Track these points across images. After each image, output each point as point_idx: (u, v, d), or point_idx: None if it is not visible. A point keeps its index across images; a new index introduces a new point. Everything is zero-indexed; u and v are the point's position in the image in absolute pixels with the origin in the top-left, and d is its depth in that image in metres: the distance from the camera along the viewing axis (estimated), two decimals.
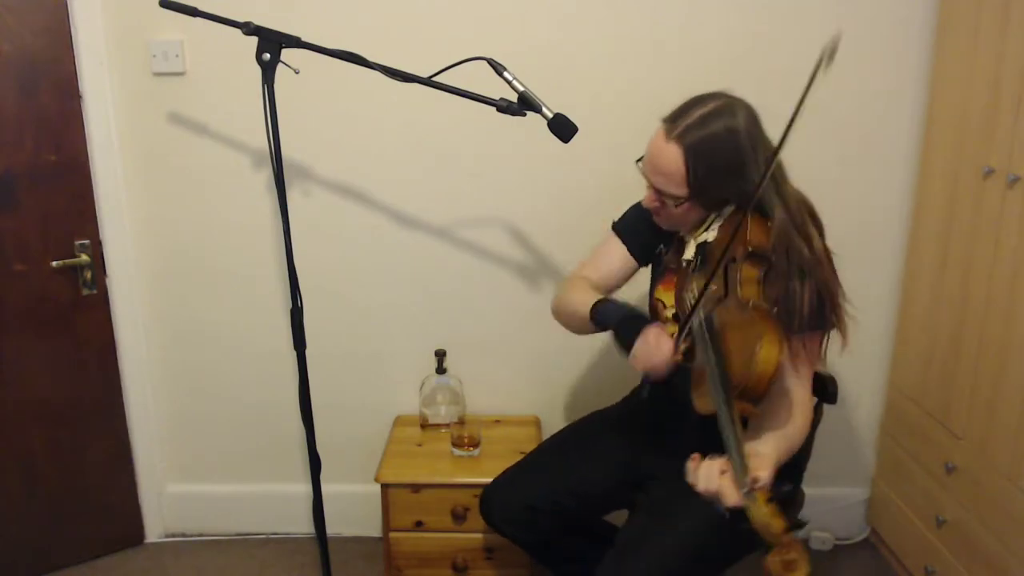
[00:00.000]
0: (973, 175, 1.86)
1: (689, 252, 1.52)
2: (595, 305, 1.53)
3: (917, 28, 2.05)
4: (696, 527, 1.48)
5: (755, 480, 1.16)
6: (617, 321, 1.49)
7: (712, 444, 1.57)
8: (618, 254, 1.71)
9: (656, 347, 1.40)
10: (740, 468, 1.17)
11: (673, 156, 1.39)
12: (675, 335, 1.41)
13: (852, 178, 2.17)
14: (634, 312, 1.51)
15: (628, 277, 1.74)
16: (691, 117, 1.39)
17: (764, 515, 1.13)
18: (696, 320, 1.34)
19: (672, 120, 1.42)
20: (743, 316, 1.30)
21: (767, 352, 1.20)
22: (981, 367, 1.83)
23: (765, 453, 1.28)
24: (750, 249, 1.34)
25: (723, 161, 1.38)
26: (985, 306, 1.81)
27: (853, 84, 2.08)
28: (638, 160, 1.50)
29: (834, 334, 1.45)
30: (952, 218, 1.96)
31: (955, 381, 1.94)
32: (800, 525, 1.25)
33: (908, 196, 2.18)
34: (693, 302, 1.37)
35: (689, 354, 1.41)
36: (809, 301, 1.36)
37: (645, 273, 1.73)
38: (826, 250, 1.42)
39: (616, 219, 1.74)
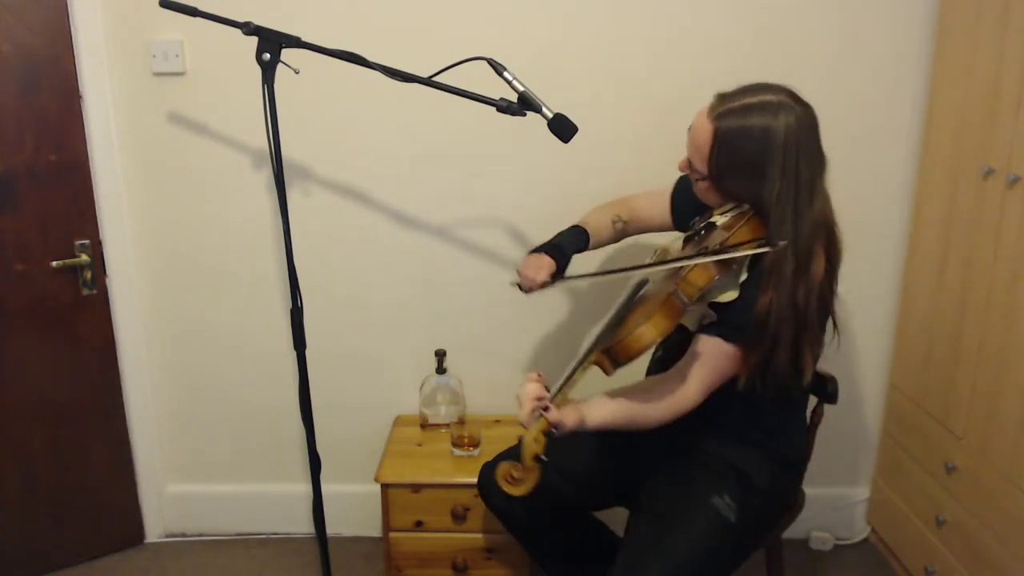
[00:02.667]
0: (973, 175, 1.86)
1: (703, 223, 1.54)
2: (572, 226, 1.78)
3: (917, 28, 2.05)
4: (705, 534, 1.48)
5: (545, 408, 1.30)
6: (559, 237, 1.74)
7: (709, 443, 1.59)
8: (663, 204, 1.79)
9: (536, 267, 1.64)
10: (552, 394, 1.32)
11: (705, 133, 1.38)
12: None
13: (852, 178, 2.16)
14: (559, 243, 1.72)
15: (660, 228, 1.81)
16: (736, 102, 1.37)
17: (531, 438, 1.29)
18: (637, 278, 1.44)
19: (723, 97, 1.40)
20: (660, 293, 1.35)
21: (643, 331, 1.28)
22: (981, 367, 1.83)
23: (592, 408, 1.38)
24: (725, 255, 1.34)
25: (744, 158, 1.36)
26: (985, 306, 1.81)
27: (853, 84, 2.08)
28: (690, 128, 1.47)
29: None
30: (952, 218, 1.96)
31: (955, 381, 1.94)
32: (543, 462, 1.34)
33: (908, 196, 2.18)
34: (649, 261, 1.46)
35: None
36: (767, 328, 1.35)
37: None
38: (822, 288, 1.39)
39: (678, 179, 1.77)
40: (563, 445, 1.73)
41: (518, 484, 1.27)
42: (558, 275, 1.67)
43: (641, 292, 1.41)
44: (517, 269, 1.72)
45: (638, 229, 1.85)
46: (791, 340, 1.37)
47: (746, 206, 1.44)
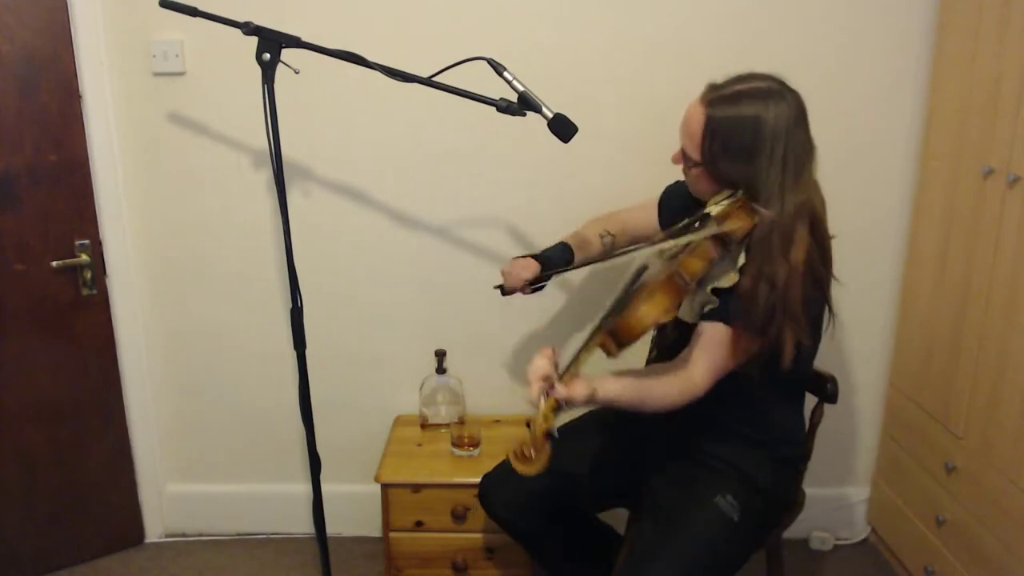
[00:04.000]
0: (973, 175, 1.86)
1: (691, 220, 1.53)
2: (560, 242, 1.80)
3: (917, 28, 2.06)
4: (709, 534, 1.48)
5: (552, 387, 1.27)
6: (552, 249, 1.77)
7: (711, 443, 1.59)
8: (650, 214, 1.81)
9: (521, 269, 1.71)
10: (560, 371, 1.30)
11: (697, 119, 1.42)
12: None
13: (852, 178, 2.17)
14: (546, 254, 1.76)
15: (642, 238, 1.81)
16: (729, 89, 1.41)
17: (541, 416, 1.26)
18: (637, 263, 1.44)
19: (714, 87, 1.44)
20: (661, 274, 1.34)
21: (646, 310, 1.27)
22: (981, 367, 1.83)
23: (604, 382, 1.35)
24: (724, 230, 1.37)
25: (737, 143, 1.38)
26: (985, 306, 1.81)
27: (853, 84, 2.08)
28: None
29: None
30: (952, 218, 1.96)
31: (955, 381, 1.94)
32: (555, 439, 1.31)
33: (908, 196, 2.18)
34: (648, 244, 1.46)
35: (661, 331, 1.56)
36: (757, 308, 1.35)
37: None
38: (806, 264, 1.38)
39: (669, 185, 1.80)
40: (565, 449, 1.74)
41: (530, 462, 1.24)
42: (543, 276, 1.72)
43: (642, 278, 1.41)
44: (500, 270, 1.76)
45: (628, 242, 1.84)
46: (782, 324, 1.37)
47: (739, 193, 1.45)
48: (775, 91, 1.38)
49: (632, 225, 1.84)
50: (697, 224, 1.50)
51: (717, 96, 1.40)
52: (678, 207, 1.69)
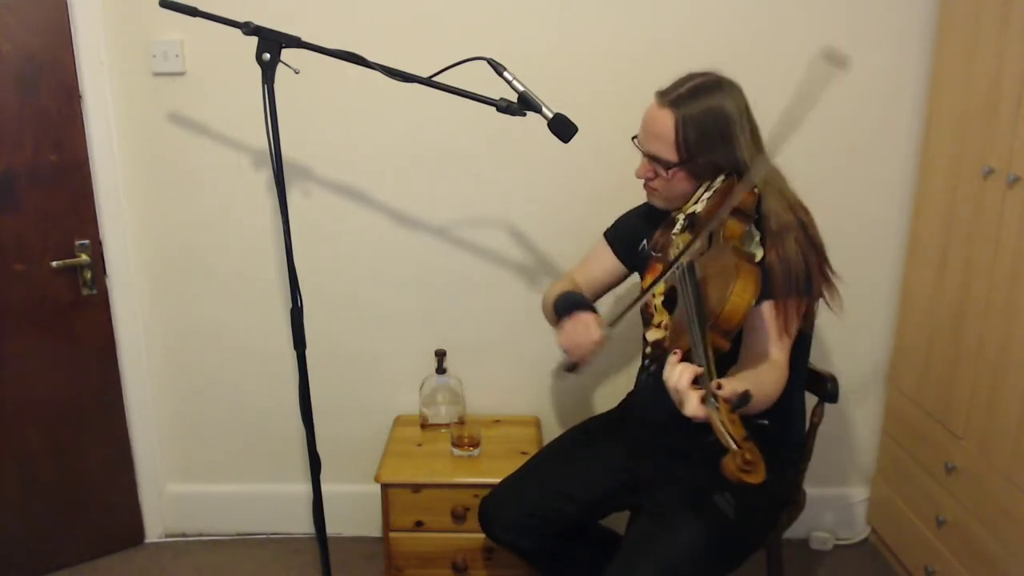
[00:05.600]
0: (973, 175, 1.86)
1: (678, 226, 1.55)
2: (560, 295, 1.67)
3: (917, 28, 2.06)
4: (703, 532, 1.48)
5: (719, 385, 1.15)
6: (565, 303, 1.61)
7: (708, 446, 1.58)
8: (606, 257, 1.79)
9: (584, 329, 1.51)
10: (707, 376, 1.18)
11: (665, 120, 1.47)
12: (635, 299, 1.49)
13: (852, 178, 2.17)
14: (582, 300, 1.63)
15: (615, 281, 1.81)
16: (683, 87, 1.49)
17: (726, 422, 1.13)
18: (679, 268, 1.38)
19: (665, 92, 1.51)
20: (721, 255, 1.34)
21: (742, 284, 1.24)
22: (981, 367, 1.83)
23: (736, 382, 1.27)
24: (735, 206, 1.38)
25: (712, 128, 1.46)
26: (985, 306, 1.81)
27: (853, 84, 2.08)
28: (634, 137, 1.58)
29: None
30: (952, 218, 1.96)
31: (955, 381, 1.94)
32: (760, 427, 1.25)
33: (908, 196, 2.18)
34: (677, 253, 1.42)
35: (657, 349, 1.48)
36: (792, 265, 1.40)
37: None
38: (807, 215, 1.48)
39: (608, 227, 1.82)
40: (559, 466, 1.74)
41: (755, 467, 1.10)
42: (604, 325, 1.53)
43: (697, 275, 1.37)
44: (560, 345, 1.55)
45: (593, 295, 1.80)
46: (818, 266, 1.44)
47: (717, 182, 1.50)
48: (721, 80, 1.49)
49: (593, 279, 1.80)
50: (688, 225, 1.52)
51: (676, 96, 1.47)
52: (636, 235, 1.72)
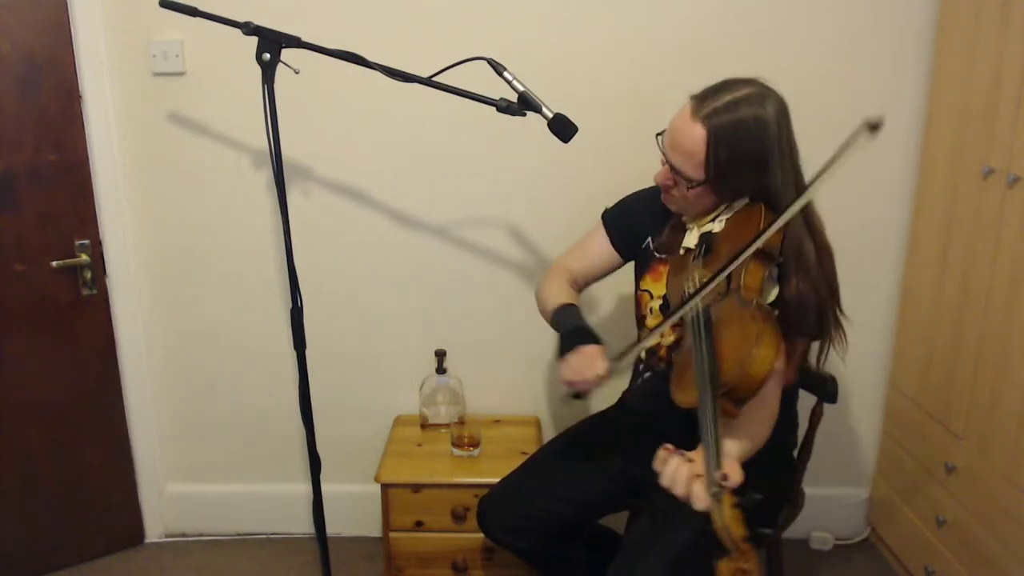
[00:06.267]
0: (973, 175, 1.86)
1: (691, 240, 1.49)
2: (560, 307, 1.57)
3: (917, 28, 2.06)
4: (703, 532, 1.48)
5: (724, 477, 1.11)
6: (567, 330, 1.51)
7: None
8: (601, 245, 1.71)
9: (589, 364, 1.41)
10: (714, 464, 1.12)
11: (696, 137, 1.35)
12: (639, 340, 1.42)
13: (852, 178, 2.17)
14: (584, 329, 1.51)
15: (610, 269, 1.74)
16: (720, 100, 1.35)
17: (727, 519, 1.09)
18: (692, 310, 1.29)
19: (701, 99, 1.38)
20: (742, 313, 1.25)
21: (764, 353, 1.16)
22: (981, 367, 1.83)
23: (732, 455, 1.23)
24: (759, 247, 1.28)
25: (746, 151, 1.35)
26: (985, 306, 1.81)
27: (853, 84, 2.08)
28: (659, 134, 1.47)
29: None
30: (952, 218, 1.96)
31: (955, 381, 1.94)
32: (761, 537, 1.18)
33: (908, 196, 2.18)
34: (692, 291, 1.33)
35: (651, 356, 1.43)
36: (808, 308, 1.34)
37: (629, 273, 1.73)
38: (831, 255, 1.41)
39: (608, 207, 1.74)
40: (558, 468, 1.73)
41: (751, 574, 1.07)
42: (610, 359, 1.45)
43: (709, 323, 1.28)
44: (563, 379, 1.46)
45: (587, 282, 1.77)
46: (833, 309, 1.39)
47: (738, 204, 1.42)
48: (765, 92, 1.37)
49: (586, 265, 1.73)
50: (703, 248, 1.45)
51: (712, 109, 1.34)
52: (636, 225, 1.65)
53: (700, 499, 1.11)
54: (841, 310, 1.43)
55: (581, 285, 1.76)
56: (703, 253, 1.44)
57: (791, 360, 1.39)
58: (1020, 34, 1.69)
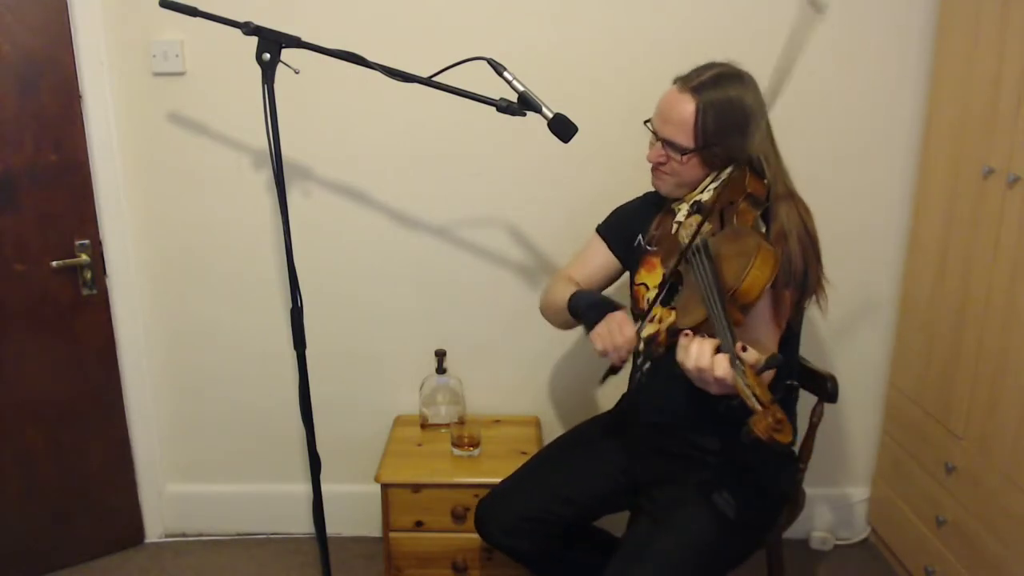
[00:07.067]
0: (973, 175, 1.86)
1: (681, 214, 1.56)
2: (572, 295, 1.62)
3: (917, 28, 2.06)
4: (702, 532, 1.48)
5: (744, 348, 1.17)
6: (587, 304, 1.56)
7: (707, 442, 1.58)
8: (600, 253, 1.77)
9: (619, 329, 1.46)
10: (730, 344, 1.18)
11: (686, 106, 1.48)
12: (659, 286, 1.51)
13: (852, 178, 2.17)
14: (605, 299, 1.57)
15: (612, 278, 1.79)
16: (705, 75, 1.49)
17: (752, 384, 1.13)
18: (692, 249, 1.39)
19: (686, 78, 1.52)
20: (739, 234, 1.37)
21: (761, 262, 1.26)
22: (981, 367, 1.83)
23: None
24: (748, 192, 1.44)
25: (731, 118, 1.47)
26: (985, 306, 1.81)
27: (853, 84, 2.08)
28: (647, 120, 1.59)
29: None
30: (952, 218, 1.96)
31: (955, 381, 1.94)
32: (790, 388, 1.30)
33: (908, 196, 2.18)
34: (690, 236, 1.42)
35: (650, 344, 1.49)
36: (792, 259, 1.42)
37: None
38: (809, 212, 1.51)
39: (600, 222, 1.81)
40: (556, 469, 1.74)
41: (784, 427, 1.10)
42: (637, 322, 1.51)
43: (711, 251, 1.37)
44: (598, 351, 1.47)
45: (598, 290, 1.78)
46: (816, 261, 1.47)
47: (724, 173, 1.52)
48: (742, 72, 1.51)
49: (589, 275, 1.76)
50: (695, 211, 1.53)
51: (699, 83, 1.48)
52: (631, 229, 1.71)
53: (723, 367, 1.17)
54: (822, 271, 1.50)
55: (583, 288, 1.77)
56: (694, 213, 1.54)
57: (783, 311, 1.45)
58: (1020, 34, 1.69)
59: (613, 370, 1.51)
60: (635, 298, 1.65)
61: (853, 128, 2.12)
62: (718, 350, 1.19)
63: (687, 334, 1.25)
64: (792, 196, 1.49)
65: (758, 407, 1.11)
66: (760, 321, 1.43)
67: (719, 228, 1.45)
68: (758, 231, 1.41)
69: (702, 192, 1.54)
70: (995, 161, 1.77)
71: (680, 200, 1.59)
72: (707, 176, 1.55)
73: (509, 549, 1.74)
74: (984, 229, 1.82)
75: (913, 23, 2.05)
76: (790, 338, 1.55)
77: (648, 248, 1.63)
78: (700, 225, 1.40)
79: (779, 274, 1.40)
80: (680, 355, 1.23)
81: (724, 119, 1.47)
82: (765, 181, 1.48)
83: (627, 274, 1.74)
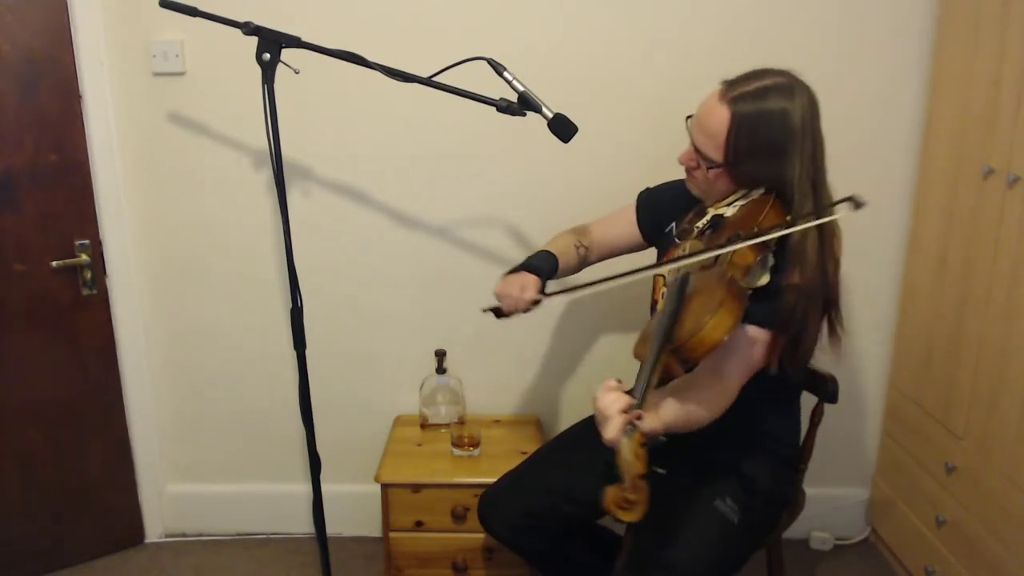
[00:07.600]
0: (973, 175, 1.86)
1: (702, 222, 1.50)
2: (537, 252, 1.68)
3: (917, 28, 2.06)
4: (704, 535, 1.48)
5: (639, 416, 1.18)
6: (525, 261, 1.64)
7: (708, 447, 1.58)
8: (628, 219, 1.74)
9: (520, 288, 1.53)
10: (638, 401, 1.20)
11: (720, 118, 1.36)
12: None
13: (852, 178, 2.15)
14: (537, 263, 1.63)
15: (628, 246, 1.76)
16: (750, 86, 1.36)
17: (632, 454, 1.16)
18: (673, 273, 1.35)
19: (732, 83, 1.39)
20: (715, 284, 1.27)
21: (717, 321, 1.20)
22: (981, 367, 1.83)
23: (659, 412, 1.29)
24: (760, 226, 1.31)
25: (767, 140, 1.35)
26: (985, 306, 1.81)
27: (853, 84, 2.08)
28: (688, 117, 1.47)
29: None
30: (952, 218, 1.96)
31: (955, 381, 1.94)
32: (656, 476, 1.26)
33: (908, 196, 2.18)
34: (679, 256, 1.38)
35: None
36: (794, 315, 1.34)
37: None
38: (837, 263, 1.40)
39: (648, 188, 1.76)
40: (560, 465, 1.73)
41: (633, 508, 1.13)
42: (542, 292, 1.57)
43: (688, 289, 1.32)
44: (495, 292, 1.60)
45: (601, 255, 1.78)
46: (819, 317, 1.38)
47: (755, 193, 1.42)
48: (794, 84, 1.37)
49: (605, 236, 1.76)
50: (709, 227, 1.46)
51: (739, 93, 1.35)
52: (664, 211, 1.67)
53: (614, 429, 1.19)
54: (840, 320, 1.42)
55: (594, 253, 1.77)
56: (708, 230, 1.46)
57: (772, 351, 1.39)
58: (1020, 34, 1.69)
59: (497, 313, 1.59)
60: (653, 287, 1.64)
61: (853, 128, 2.12)
62: (626, 410, 1.20)
63: (615, 380, 1.26)
64: (820, 239, 1.35)
65: (623, 480, 1.14)
66: (730, 357, 1.35)
67: (712, 261, 1.34)
68: (735, 284, 1.27)
69: (728, 206, 1.45)
70: (995, 161, 1.77)
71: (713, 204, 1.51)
72: (735, 191, 1.46)
73: (516, 545, 1.74)
74: (984, 229, 1.81)
75: (913, 23, 2.05)
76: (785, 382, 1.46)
77: (676, 240, 1.58)
78: (692, 253, 1.32)
79: (774, 319, 1.34)
80: (599, 393, 1.25)
81: (760, 137, 1.35)
82: (788, 217, 1.34)
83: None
